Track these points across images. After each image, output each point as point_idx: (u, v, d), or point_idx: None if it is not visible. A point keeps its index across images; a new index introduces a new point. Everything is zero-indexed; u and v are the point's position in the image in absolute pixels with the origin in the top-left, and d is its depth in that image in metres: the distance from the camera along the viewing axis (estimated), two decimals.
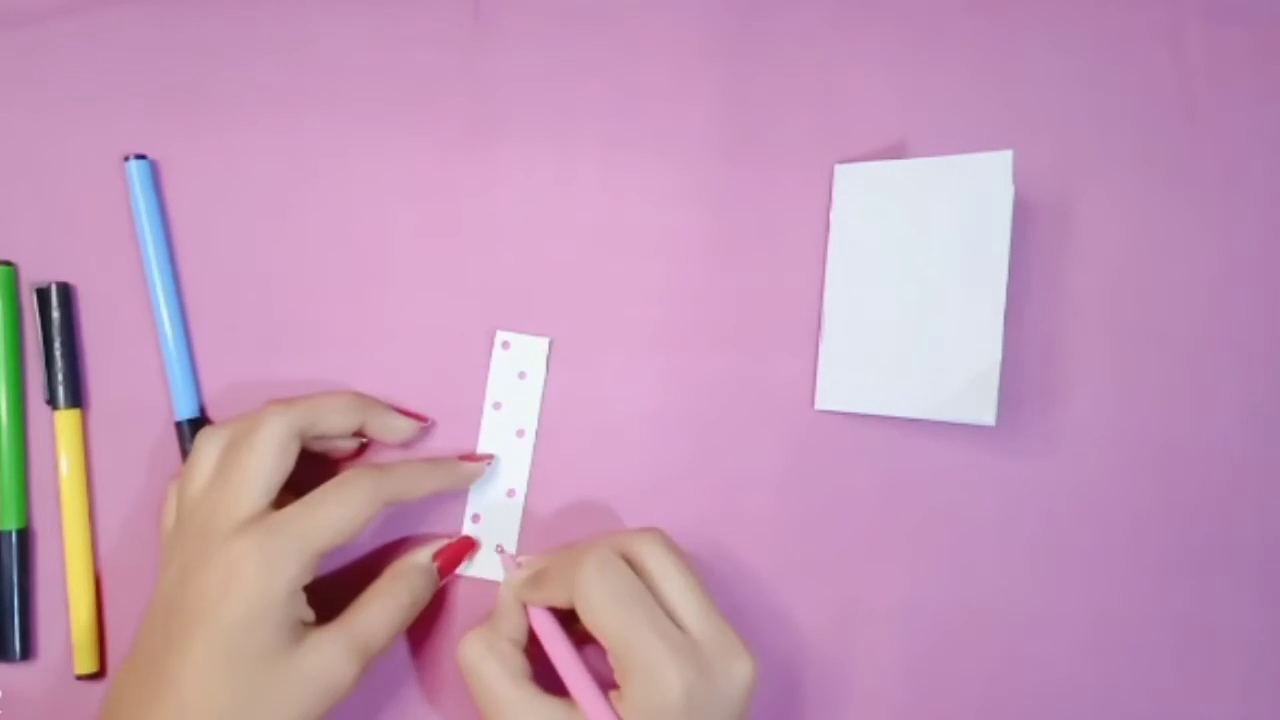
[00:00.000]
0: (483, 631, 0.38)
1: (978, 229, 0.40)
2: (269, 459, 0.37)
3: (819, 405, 0.43)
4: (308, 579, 0.36)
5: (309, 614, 0.37)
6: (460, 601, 0.42)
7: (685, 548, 0.38)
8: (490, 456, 0.43)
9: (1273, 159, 0.44)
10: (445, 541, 0.41)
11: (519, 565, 0.41)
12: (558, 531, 0.43)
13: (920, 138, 0.44)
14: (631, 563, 0.37)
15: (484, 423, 0.43)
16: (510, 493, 0.43)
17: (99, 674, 0.41)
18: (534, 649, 0.39)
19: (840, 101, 0.45)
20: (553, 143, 0.45)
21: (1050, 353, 0.43)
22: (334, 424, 0.39)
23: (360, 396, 0.41)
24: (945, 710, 0.42)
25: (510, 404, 0.43)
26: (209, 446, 0.38)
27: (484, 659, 0.37)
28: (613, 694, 0.36)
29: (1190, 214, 0.44)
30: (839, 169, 0.44)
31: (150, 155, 0.43)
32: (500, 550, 0.42)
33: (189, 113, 0.44)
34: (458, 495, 0.43)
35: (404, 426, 0.41)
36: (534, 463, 0.43)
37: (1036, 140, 0.44)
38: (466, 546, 0.42)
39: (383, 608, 0.38)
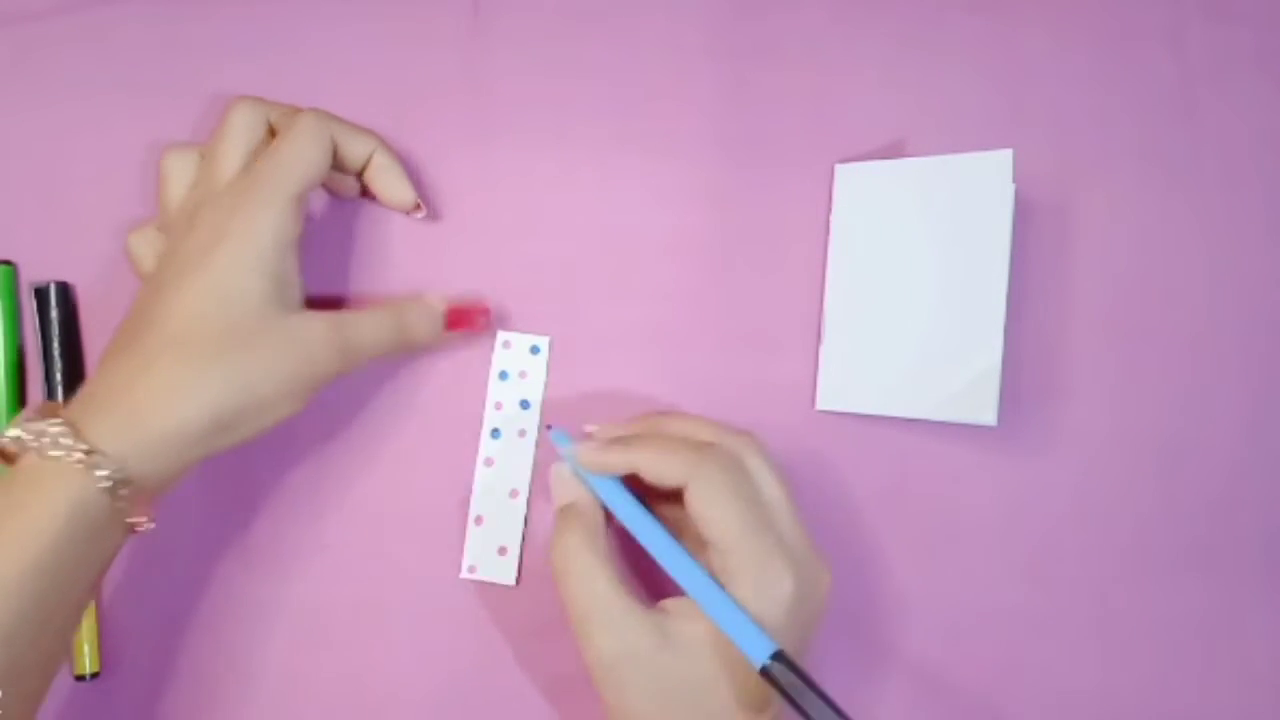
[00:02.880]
0: (576, 528, 0.37)
1: (978, 228, 0.40)
2: (238, 134, 0.38)
3: (819, 405, 0.43)
4: (293, 229, 0.37)
5: (299, 286, 0.38)
6: (460, 603, 0.42)
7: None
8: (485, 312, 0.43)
9: (1272, 159, 0.44)
10: (462, 300, 0.42)
11: (588, 432, 0.40)
12: None
13: (920, 137, 0.44)
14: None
15: (485, 422, 0.43)
16: (513, 493, 0.43)
17: (97, 674, 0.41)
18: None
19: (840, 101, 0.45)
20: (552, 142, 0.45)
21: (1050, 352, 0.44)
22: (300, 112, 0.40)
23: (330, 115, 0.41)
24: (945, 709, 0.42)
25: (511, 404, 0.43)
26: (178, 164, 0.39)
27: (588, 560, 0.36)
28: None
29: (1190, 213, 0.44)
30: (839, 169, 0.44)
31: (150, 155, 0.43)
32: (553, 430, 0.40)
33: (189, 113, 0.44)
34: (460, 497, 0.43)
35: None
36: (536, 463, 0.43)
37: (1037, 140, 0.44)
38: (481, 310, 0.42)
39: (376, 319, 0.39)
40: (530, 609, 0.42)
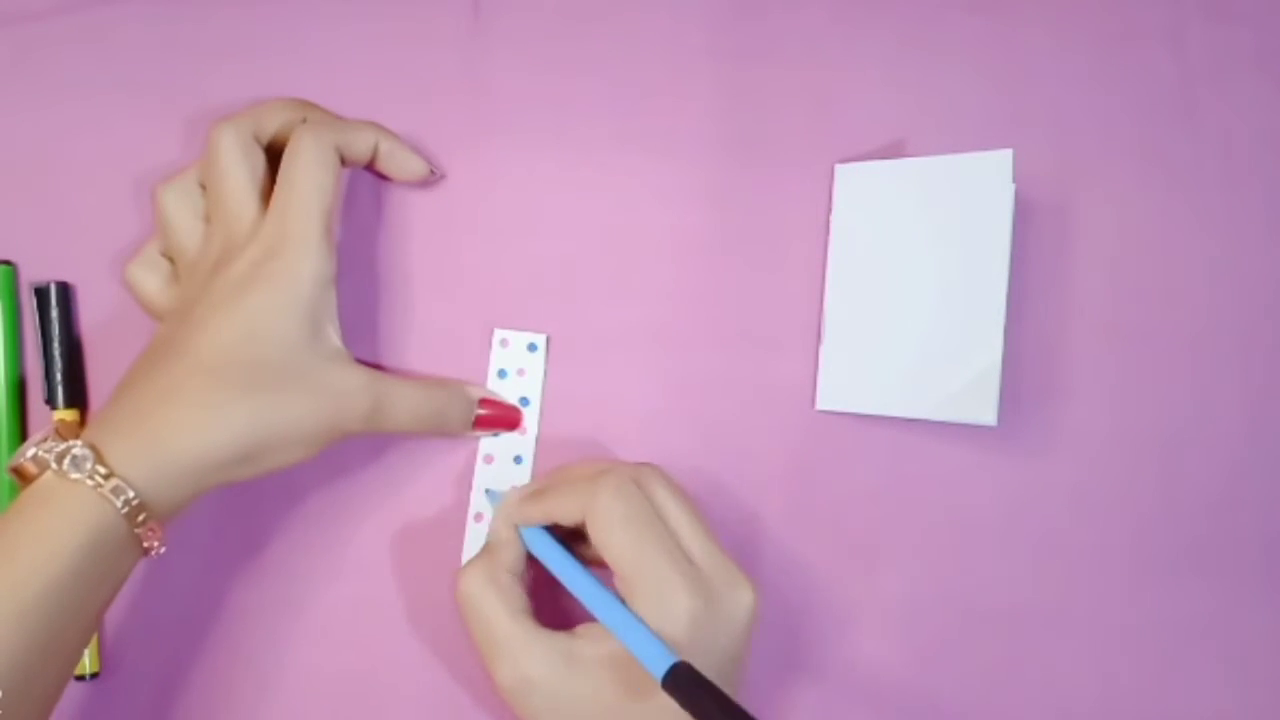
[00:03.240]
0: (481, 563, 0.38)
1: (978, 228, 0.40)
2: (240, 169, 0.37)
3: (819, 405, 0.43)
4: (331, 265, 0.37)
5: (337, 324, 0.37)
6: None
7: None
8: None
9: (1272, 158, 0.44)
10: (497, 397, 0.42)
11: (512, 490, 0.41)
12: None
13: (920, 137, 0.44)
14: None
15: None
16: (512, 489, 0.43)
17: (97, 674, 0.41)
18: (532, 584, 0.39)
19: (840, 101, 0.45)
20: (552, 141, 0.45)
21: (1050, 352, 0.43)
22: (277, 120, 0.39)
23: (298, 99, 0.41)
24: (945, 710, 0.42)
25: (510, 401, 0.43)
26: (179, 199, 0.39)
27: (484, 592, 0.37)
28: None
29: (1190, 213, 0.44)
30: (839, 169, 0.44)
31: (150, 155, 0.43)
32: (489, 491, 0.42)
33: (189, 113, 0.44)
34: (462, 492, 0.43)
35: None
36: (536, 459, 0.43)
37: (1037, 140, 0.44)
38: (513, 415, 0.42)
39: (415, 395, 0.39)
40: (531, 606, 0.42)
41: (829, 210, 0.44)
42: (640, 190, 0.44)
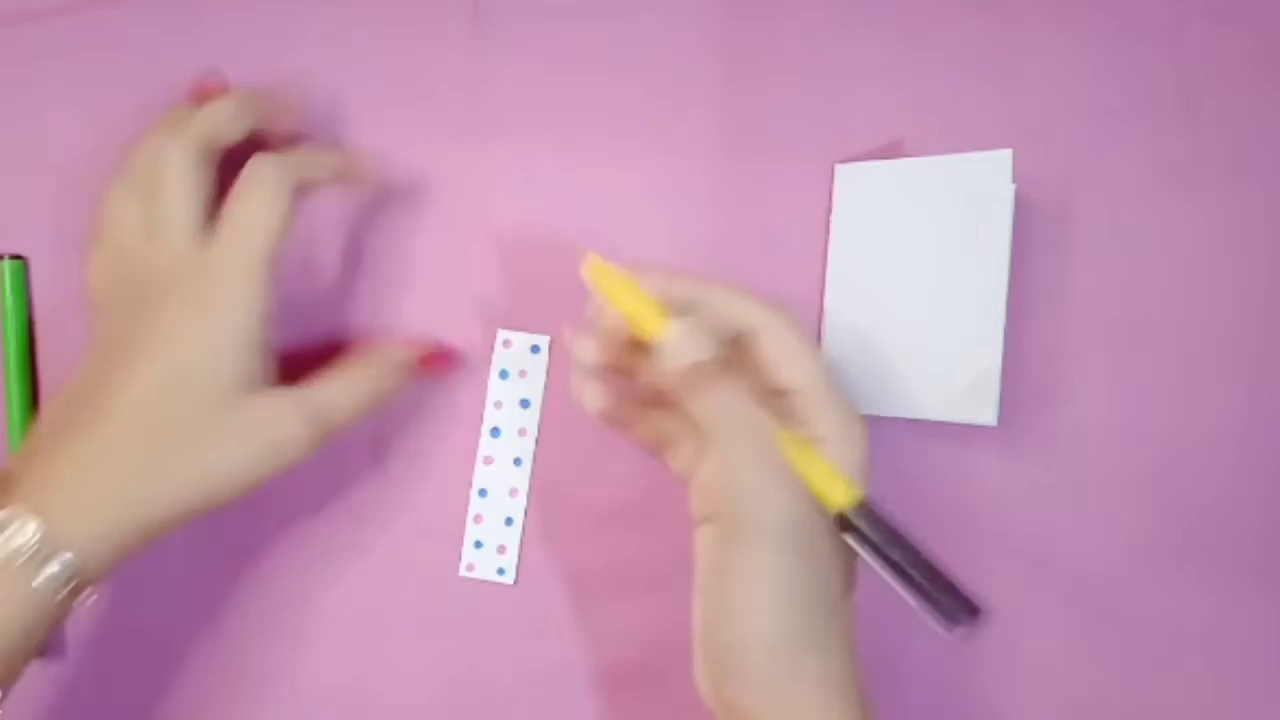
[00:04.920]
0: (733, 383, 0.35)
1: (978, 228, 0.40)
2: (181, 192, 0.36)
3: None
4: (266, 302, 0.36)
5: (268, 369, 0.36)
6: (459, 602, 0.42)
7: (685, 548, 0.38)
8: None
9: (1273, 159, 0.44)
10: (428, 343, 0.41)
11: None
12: (561, 529, 0.43)
13: (920, 137, 0.44)
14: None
15: (485, 420, 0.43)
16: (513, 492, 0.43)
17: None
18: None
19: (840, 101, 0.45)
20: (552, 142, 0.45)
21: (1051, 353, 0.43)
22: (231, 128, 0.38)
23: (250, 91, 0.39)
24: (945, 710, 0.42)
25: (511, 402, 0.43)
26: (124, 196, 0.38)
27: (758, 413, 0.35)
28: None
29: (1191, 214, 0.44)
30: (839, 169, 0.44)
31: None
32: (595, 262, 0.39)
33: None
34: (459, 495, 0.43)
35: (325, 160, 0.40)
36: (536, 461, 0.43)
37: (1037, 140, 0.44)
38: (448, 354, 0.41)
39: (346, 381, 0.38)
40: (529, 608, 0.43)
41: (829, 210, 0.44)
42: (640, 190, 0.44)
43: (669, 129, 0.45)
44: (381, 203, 0.44)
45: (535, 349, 0.43)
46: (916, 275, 0.41)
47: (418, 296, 0.44)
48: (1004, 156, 0.40)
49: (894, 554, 0.33)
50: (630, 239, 0.44)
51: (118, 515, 0.33)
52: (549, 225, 0.44)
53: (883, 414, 0.42)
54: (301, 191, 0.38)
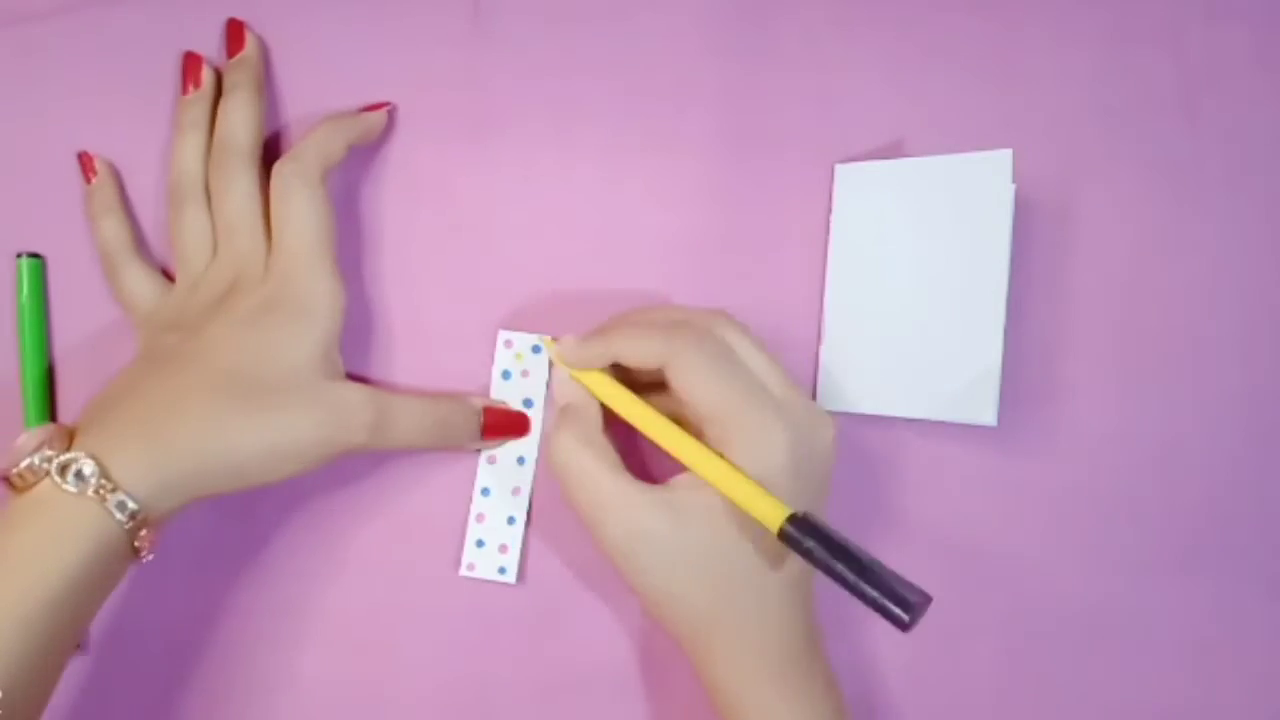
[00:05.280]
0: (567, 427, 0.38)
1: (978, 228, 0.40)
2: (313, 221, 0.39)
3: (820, 405, 0.43)
4: (340, 295, 0.38)
5: (340, 358, 0.39)
6: (460, 601, 0.42)
7: None
8: (387, 105, 0.43)
9: (1273, 159, 0.44)
10: (500, 404, 0.42)
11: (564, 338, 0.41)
12: (562, 530, 0.43)
13: (920, 137, 0.44)
14: None
15: None
16: (515, 491, 0.43)
17: None
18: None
19: (840, 101, 0.45)
20: (553, 142, 0.45)
21: (1051, 353, 0.44)
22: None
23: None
24: (944, 710, 0.42)
25: (513, 403, 0.43)
26: (198, 221, 0.40)
27: (580, 454, 0.37)
28: None
29: (1191, 214, 0.44)
30: (839, 169, 0.44)
31: (151, 155, 0.43)
32: (545, 340, 0.42)
33: None
34: (463, 493, 0.43)
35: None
36: (538, 460, 0.43)
37: (1037, 140, 0.44)
38: (521, 421, 0.42)
39: (417, 409, 0.39)
40: (531, 607, 0.43)
41: (829, 210, 0.44)
42: (640, 190, 0.44)
43: (669, 128, 0.45)
44: (383, 204, 0.44)
45: (537, 349, 0.43)
46: (916, 275, 0.41)
47: (418, 297, 0.44)
48: (1004, 156, 0.40)
49: (832, 562, 0.32)
50: (630, 239, 0.44)
51: (180, 466, 0.34)
52: (549, 225, 0.44)
53: (883, 414, 0.42)
54: (326, 175, 0.40)
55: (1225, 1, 0.45)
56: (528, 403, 0.43)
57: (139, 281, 0.41)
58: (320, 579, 0.43)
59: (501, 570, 0.42)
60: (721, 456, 0.35)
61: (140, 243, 0.43)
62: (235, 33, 0.42)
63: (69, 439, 0.34)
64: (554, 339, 0.41)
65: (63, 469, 0.32)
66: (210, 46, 0.44)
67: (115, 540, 0.33)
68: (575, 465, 0.37)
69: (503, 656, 0.42)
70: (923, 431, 0.43)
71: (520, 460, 0.43)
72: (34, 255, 0.43)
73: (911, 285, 0.42)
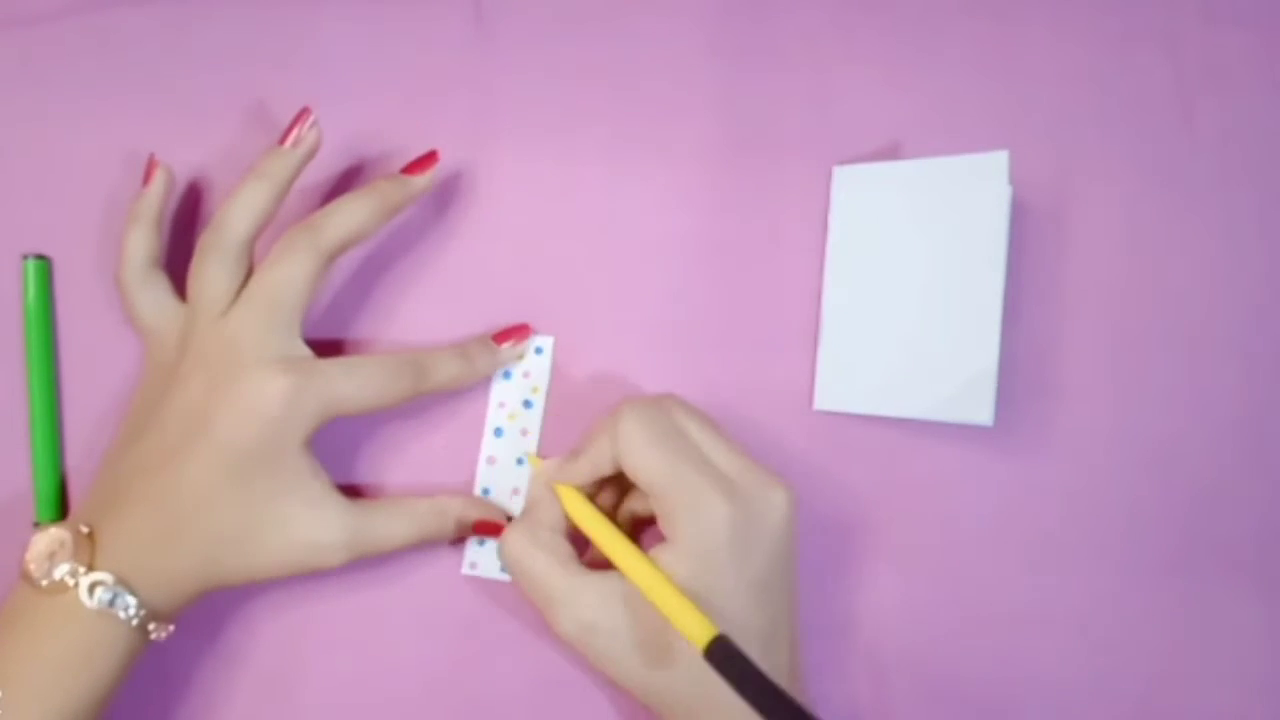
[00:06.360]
0: (522, 525, 0.39)
1: (975, 229, 0.41)
2: (304, 296, 0.38)
3: (817, 405, 0.44)
4: (320, 425, 0.38)
5: (321, 470, 0.39)
6: (461, 600, 0.43)
7: None
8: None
9: (1270, 160, 0.44)
10: (488, 514, 0.42)
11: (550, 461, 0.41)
12: None
13: (918, 139, 0.45)
14: None
15: (488, 422, 0.43)
16: (515, 491, 0.43)
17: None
18: (573, 535, 0.39)
19: (839, 103, 0.45)
20: (554, 143, 0.45)
21: (1047, 353, 0.44)
22: (365, 232, 0.40)
23: (373, 192, 0.40)
24: (943, 710, 0.43)
25: (514, 404, 0.43)
26: (217, 268, 0.39)
27: (529, 552, 0.38)
28: (660, 545, 0.36)
29: (1188, 215, 0.44)
30: (837, 170, 0.44)
31: (151, 154, 0.43)
32: (528, 454, 0.43)
33: (190, 113, 0.45)
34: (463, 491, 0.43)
35: (422, 183, 0.41)
36: None
37: (1035, 141, 0.44)
38: (499, 530, 0.41)
39: (398, 514, 0.40)
40: (531, 606, 0.43)
41: (827, 211, 0.44)
42: (640, 191, 0.45)
43: (669, 130, 0.45)
44: None
45: (538, 350, 0.44)
46: (914, 276, 0.42)
47: (419, 298, 0.44)
48: (1000, 158, 0.40)
49: (749, 691, 0.31)
50: (630, 240, 0.44)
51: (178, 586, 0.37)
52: (550, 226, 0.45)
53: (880, 414, 0.43)
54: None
55: (1222, 3, 0.45)
56: (528, 404, 0.43)
57: (148, 302, 0.41)
58: (321, 577, 0.43)
59: (503, 569, 0.43)
60: (656, 568, 0.35)
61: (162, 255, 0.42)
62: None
63: (90, 548, 0.36)
64: (537, 457, 0.43)
65: (91, 589, 0.35)
66: (211, 47, 0.45)
67: (140, 644, 0.36)
68: (524, 563, 0.38)
69: (504, 655, 0.42)
70: (920, 432, 0.43)
71: (519, 461, 0.43)
72: (40, 256, 0.43)
73: (909, 286, 0.42)
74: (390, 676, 0.42)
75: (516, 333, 0.43)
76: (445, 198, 0.45)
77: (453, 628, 0.42)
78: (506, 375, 0.44)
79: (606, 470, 0.38)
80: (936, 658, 0.43)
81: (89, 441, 0.43)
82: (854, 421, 0.43)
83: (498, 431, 0.43)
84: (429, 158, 0.42)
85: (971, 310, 0.40)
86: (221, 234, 0.39)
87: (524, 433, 0.43)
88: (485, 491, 0.43)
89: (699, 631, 0.33)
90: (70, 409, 0.43)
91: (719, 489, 0.35)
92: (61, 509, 0.43)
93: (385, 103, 0.45)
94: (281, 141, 0.40)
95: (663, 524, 0.36)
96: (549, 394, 0.44)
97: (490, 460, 0.43)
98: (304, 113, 0.41)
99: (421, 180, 0.41)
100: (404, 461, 0.43)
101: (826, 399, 0.43)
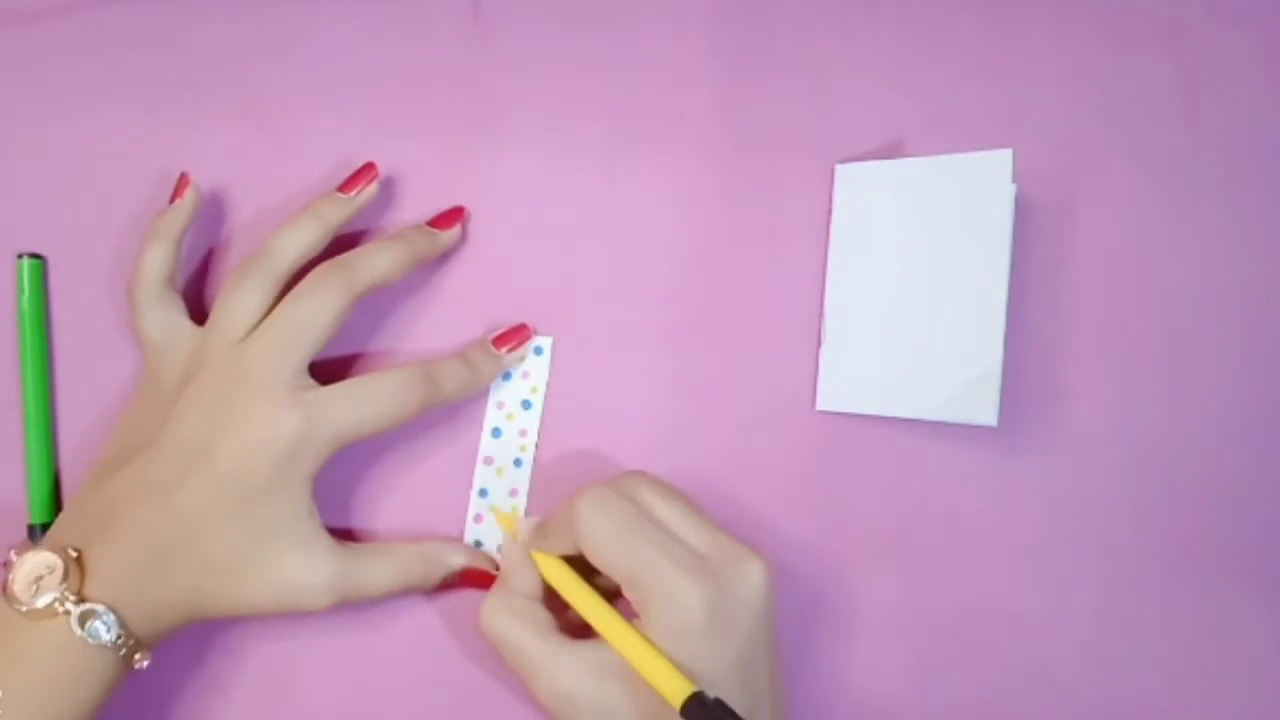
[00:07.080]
0: (498, 595, 0.39)
1: (978, 228, 0.40)
2: (326, 333, 0.38)
3: (820, 406, 0.43)
4: (330, 457, 0.38)
5: (315, 510, 0.38)
6: (459, 601, 0.42)
7: None
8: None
9: (1273, 159, 0.44)
10: (476, 562, 0.41)
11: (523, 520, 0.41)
12: None
13: (920, 137, 0.44)
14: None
15: (486, 422, 0.43)
16: (513, 492, 0.43)
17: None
18: (552, 599, 0.39)
19: (840, 101, 0.45)
20: (553, 142, 0.45)
21: (1051, 353, 0.44)
22: (391, 279, 0.40)
23: (403, 240, 0.41)
24: (945, 711, 0.42)
25: (513, 404, 0.43)
26: (251, 292, 0.39)
27: (506, 622, 0.37)
28: (637, 623, 0.36)
29: (1190, 213, 0.44)
30: (839, 168, 0.44)
31: (151, 155, 0.43)
32: (497, 510, 0.42)
33: (190, 113, 0.44)
34: (460, 495, 0.43)
35: (448, 237, 0.42)
36: (536, 462, 0.43)
37: (1037, 140, 0.44)
38: (486, 579, 0.41)
39: (386, 561, 0.39)
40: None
41: (829, 210, 0.44)
42: (641, 191, 0.44)
43: (669, 129, 0.45)
44: (383, 206, 0.44)
45: (537, 351, 0.43)
46: (917, 275, 0.41)
47: (418, 298, 0.44)
48: (1004, 156, 0.40)
49: None
50: (630, 239, 0.44)
51: (163, 616, 0.37)
52: (550, 225, 0.44)
53: (883, 414, 0.42)
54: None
55: (1225, 2, 0.45)
56: (526, 404, 0.43)
57: (158, 321, 0.40)
58: None
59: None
60: (635, 630, 0.35)
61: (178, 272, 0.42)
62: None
63: (79, 574, 0.35)
64: (512, 516, 0.42)
65: (82, 620, 0.34)
66: (210, 47, 0.45)
67: (123, 673, 0.36)
68: (502, 632, 0.37)
69: (501, 656, 0.42)
70: (923, 432, 0.43)
71: (517, 463, 0.43)
72: (35, 256, 0.43)
73: (912, 285, 0.42)
74: (389, 677, 0.42)
75: (516, 334, 0.43)
76: (443, 198, 0.44)
77: (451, 627, 0.42)
78: (506, 376, 0.43)
79: (574, 552, 0.38)
80: (939, 658, 0.42)
81: (83, 442, 0.43)
82: (857, 422, 0.43)
83: (495, 432, 0.43)
84: (456, 212, 0.43)
85: (975, 310, 0.40)
86: (268, 260, 0.39)
87: (522, 433, 0.43)
88: (482, 493, 0.43)
89: (675, 689, 0.33)
90: (65, 409, 0.43)
91: (690, 572, 0.35)
92: (55, 510, 0.42)
93: (383, 102, 0.45)
94: (342, 189, 0.41)
95: (637, 609, 0.36)
96: (548, 394, 0.43)
97: (487, 460, 0.43)
98: (370, 168, 0.42)
99: (448, 235, 0.42)
100: (400, 462, 0.43)
101: (829, 399, 0.43)
